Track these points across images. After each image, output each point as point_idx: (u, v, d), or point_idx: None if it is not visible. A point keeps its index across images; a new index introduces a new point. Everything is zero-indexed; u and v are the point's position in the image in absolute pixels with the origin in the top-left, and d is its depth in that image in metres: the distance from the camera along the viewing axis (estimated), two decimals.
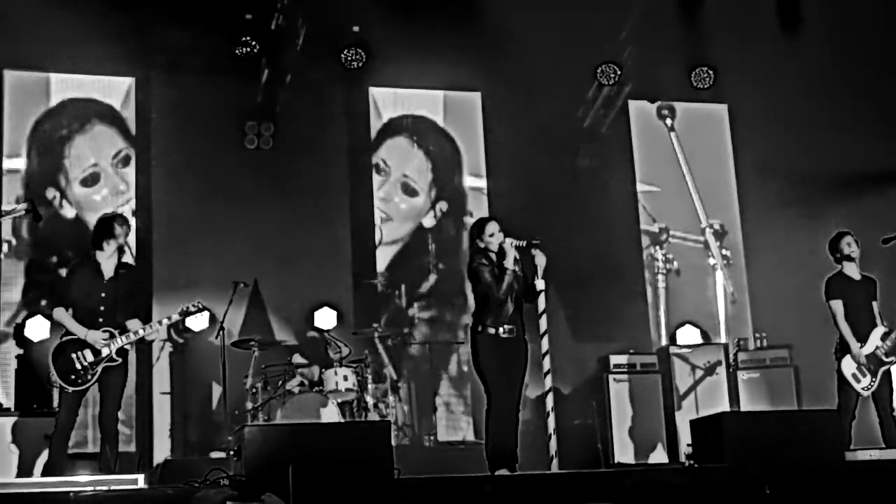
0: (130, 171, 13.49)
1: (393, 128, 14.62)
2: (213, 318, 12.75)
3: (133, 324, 9.03)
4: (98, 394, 9.09)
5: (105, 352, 8.80)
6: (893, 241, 9.96)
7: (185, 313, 9.29)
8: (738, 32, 13.86)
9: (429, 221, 14.49)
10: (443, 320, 14.19)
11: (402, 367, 13.41)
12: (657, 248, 15.11)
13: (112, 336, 8.84)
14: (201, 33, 13.37)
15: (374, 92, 14.55)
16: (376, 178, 14.45)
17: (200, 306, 9.34)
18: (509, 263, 8.90)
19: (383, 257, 14.27)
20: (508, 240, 8.97)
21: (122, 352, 8.90)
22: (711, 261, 15.21)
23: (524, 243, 8.98)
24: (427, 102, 14.77)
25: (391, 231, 14.40)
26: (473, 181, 14.71)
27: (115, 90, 13.62)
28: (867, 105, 13.98)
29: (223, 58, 13.36)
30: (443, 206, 14.53)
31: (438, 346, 13.68)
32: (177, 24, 13.34)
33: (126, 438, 12.71)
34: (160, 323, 9.17)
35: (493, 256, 8.99)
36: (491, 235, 9.02)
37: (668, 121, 15.46)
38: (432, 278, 14.29)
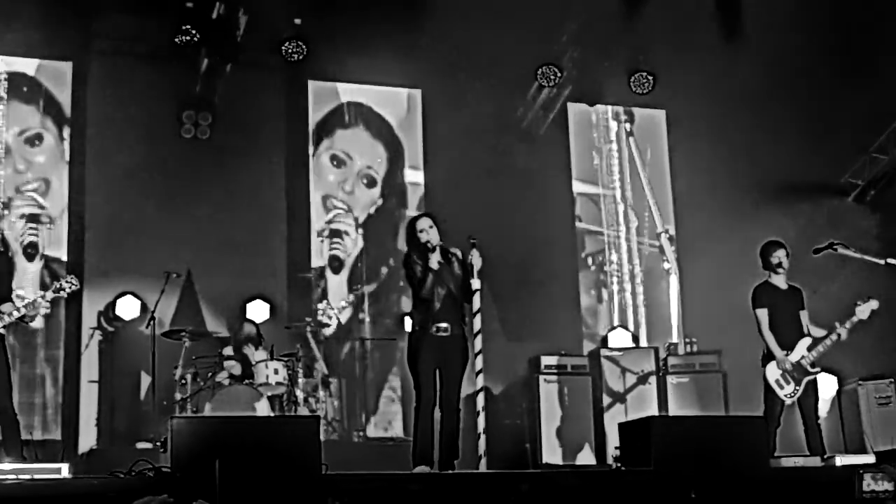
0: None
1: (348, 116, 14.62)
2: (144, 308, 12.67)
3: (6, 307, 8.86)
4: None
5: None
6: (824, 251, 10.05)
7: (59, 290, 9.12)
8: (678, 39, 13.96)
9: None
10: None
11: (334, 362, 13.38)
12: (613, 251, 15.21)
13: None
14: (141, 20, 13.27)
15: (340, 87, 14.56)
16: (336, 171, 14.42)
17: (74, 282, 9.17)
18: (433, 264, 8.89)
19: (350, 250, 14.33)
20: (435, 243, 8.95)
21: None
22: (666, 265, 15.31)
23: (456, 251, 9.03)
24: (388, 98, 14.81)
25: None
26: (412, 175, 14.74)
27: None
28: (802, 116, 14.15)
29: (163, 45, 13.23)
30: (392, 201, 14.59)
31: (378, 343, 13.73)
32: (117, 10, 13.21)
33: (52, 427, 12.61)
34: (34, 302, 8.99)
35: (425, 253, 8.97)
36: (421, 231, 9.00)
37: (627, 126, 15.58)
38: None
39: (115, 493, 6.81)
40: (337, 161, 14.50)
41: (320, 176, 14.38)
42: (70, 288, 9.10)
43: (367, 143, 14.70)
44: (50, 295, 9.08)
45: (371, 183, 14.58)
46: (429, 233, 8.98)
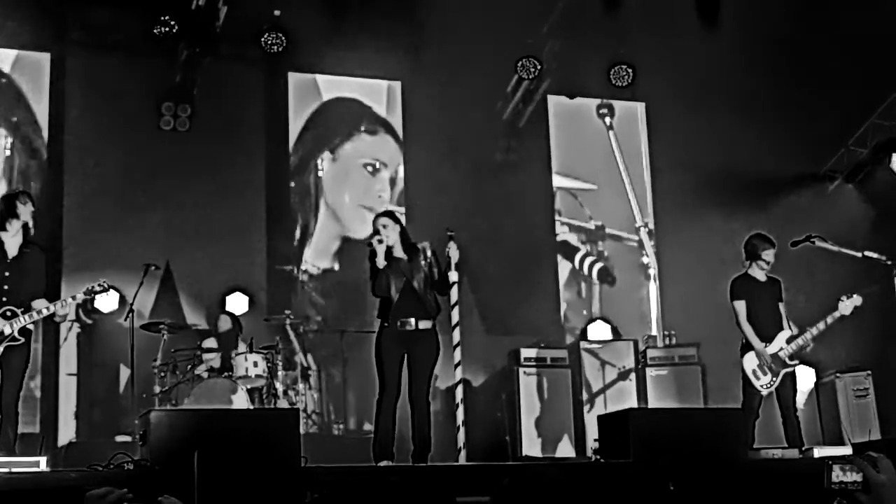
0: None
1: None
2: (122, 300, 12.61)
3: (38, 303, 8.83)
4: None
5: (7, 331, 8.60)
6: (802, 244, 10.05)
7: (91, 292, 9.13)
8: (657, 32, 13.98)
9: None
10: None
11: (314, 355, 13.35)
12: (592, 245, 15.22)
13: (14, 315, 8.65)
14: (120, 11, 13.21)
15: (319, 79, 14.52)
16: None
17: (106, 285, 9.18)
18: (379, 263, 8.89)
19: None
20: (390, 241, 8.94)
21: (24, 331, 8.70)
22: (645, 259, 15.33)
23: (424, 245, 9.03)
24: (367, 90, 14.80)
25: None
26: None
27: None
28: (783, 107, 14.19)
29: (141, 36, 13.16)
30: None
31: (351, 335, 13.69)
32: (95, 1, 13.15)
33: (30, 420, 12.55)
34: (66, 302, 8.98)
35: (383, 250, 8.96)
36: (376, 231, 9.01)
37: (607, 119, 15.59)
38: None
39: (94, 487, 6.79)
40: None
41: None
42: (101, 291, 9.15)
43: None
44: (81, 297, 9.10)
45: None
46: (382, 232, 8.96)
